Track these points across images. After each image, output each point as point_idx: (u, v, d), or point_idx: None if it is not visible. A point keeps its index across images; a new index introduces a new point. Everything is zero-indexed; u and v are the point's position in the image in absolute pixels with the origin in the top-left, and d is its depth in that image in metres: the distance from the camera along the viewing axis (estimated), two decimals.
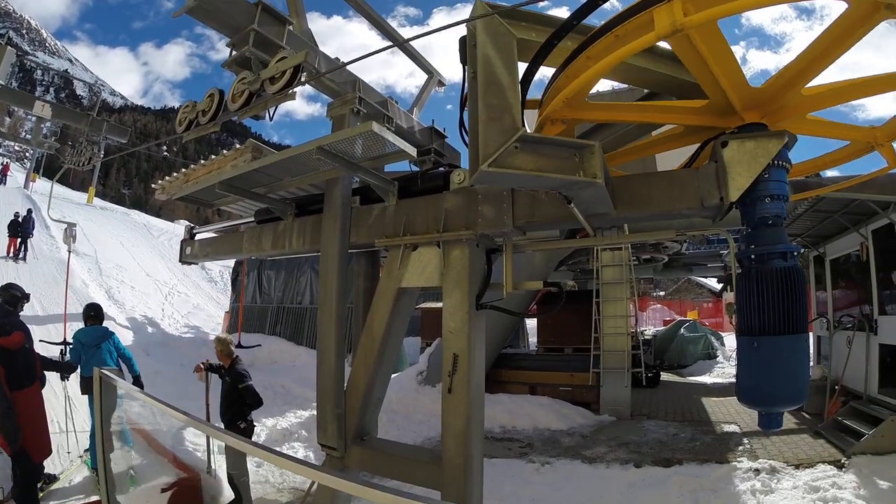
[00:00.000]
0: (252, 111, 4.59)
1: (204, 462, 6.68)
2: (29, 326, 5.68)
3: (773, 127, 3.23)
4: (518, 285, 4.61)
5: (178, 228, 36.84)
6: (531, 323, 17.45)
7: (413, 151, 4.52)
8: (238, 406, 6.18)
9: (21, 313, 6.20)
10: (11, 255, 18.53)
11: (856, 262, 8.81)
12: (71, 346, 7.22)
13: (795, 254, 3.12)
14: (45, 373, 5.56)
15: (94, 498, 5.52)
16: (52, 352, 7.47)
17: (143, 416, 5.74)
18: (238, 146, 5.29)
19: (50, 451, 4.91)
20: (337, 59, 5.20)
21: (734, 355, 18.09)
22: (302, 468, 2.48)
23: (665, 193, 3.61)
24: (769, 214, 3.15)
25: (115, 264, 21.26)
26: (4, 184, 30.57)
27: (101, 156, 10.58)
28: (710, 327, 20.59)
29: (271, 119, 4.66)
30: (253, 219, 6.57)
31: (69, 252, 10.53)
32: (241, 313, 15.03)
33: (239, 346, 10.00)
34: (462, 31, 3.51)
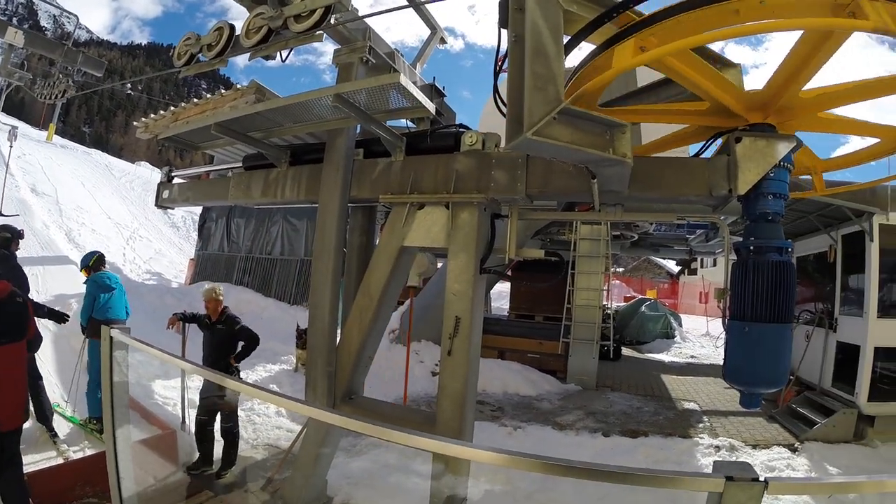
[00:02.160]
0: (269, 49, 4.32)
1: (176, 417, 6.47)
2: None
3: (782, 125, 3.40)
4: (520, 252, 4.59)
5: (140, 170, 35.70)
6: (497, 288, 17.53)
7: (433, 109, 4.38)
8: (229, 356, 6.01)
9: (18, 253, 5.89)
10: None
11: (821, 262, 9.15)
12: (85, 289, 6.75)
13: (789, 250, 3.36)
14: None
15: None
16: None
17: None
18: (239, 86, 4.98)
19: (17, 421, 4.17)
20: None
21: (690, 336, 18.72)
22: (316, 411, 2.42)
23: (677, 178, 3.73)
24: (770, 211, 3.39)
25: (76, 205, 20.30)
26: None
27: (75, 90, 10.02)
28: (668, 307, 21.05)
29: (283, 60, 4.41)
30: (240, 164, 6.30)
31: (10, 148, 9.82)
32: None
33: None
34: None
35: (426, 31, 6.36)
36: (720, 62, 3.48)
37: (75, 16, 11.89)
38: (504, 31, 3.49)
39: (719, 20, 2.65)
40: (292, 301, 13.22)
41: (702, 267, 30.93)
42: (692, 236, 14.97)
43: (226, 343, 6.01)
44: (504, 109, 3.37)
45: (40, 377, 6.01)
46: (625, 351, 15.83)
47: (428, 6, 6.85)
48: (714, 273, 26.86)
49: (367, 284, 4.73)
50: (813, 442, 7.41)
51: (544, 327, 12.24)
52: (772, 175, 3.31)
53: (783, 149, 3.27)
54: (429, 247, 4.54)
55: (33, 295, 7.63)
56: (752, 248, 3.38)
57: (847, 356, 7.96)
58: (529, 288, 13.43)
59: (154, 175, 34.91)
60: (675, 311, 21.17)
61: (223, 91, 5.22)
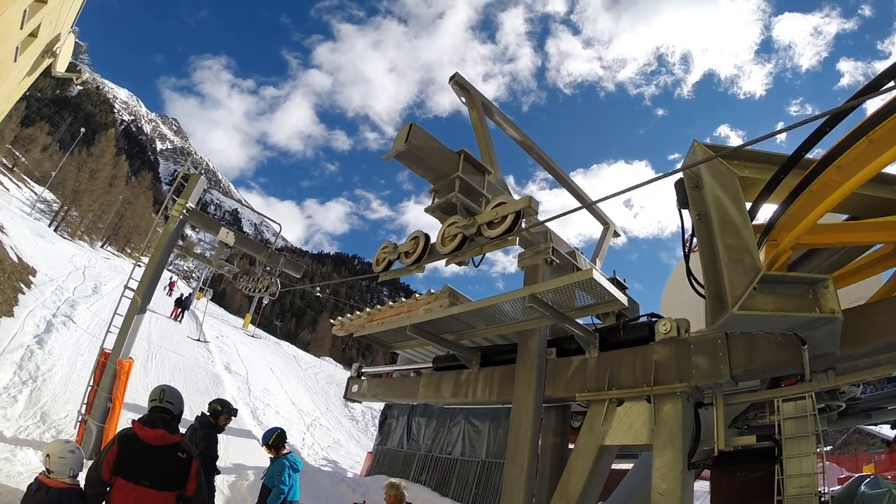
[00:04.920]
0: (464, 255, 4.70)
1: None
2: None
3: None
4: (730, 441, 4.26)
5: (324, 364, 38.98)
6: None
7: (625, 301, 4.39)
8: None
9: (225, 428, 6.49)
10: (175, 317, 27.85)
11: None
12: (285, 471, 7.14)
13: None
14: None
15: None
16: None
17: None
18: (433, 291, 5.38)
19: None
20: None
21: None
22: None
23: (889, 322, 3.35)
24: None
25: (263, 387, 22.21)
26: (170, 295, 35.54)
27: (279, 286, 11.36)
28: (892, 481, 17.58)
29: (477, 265, 4.73)
30: (427, 365, 6.58)
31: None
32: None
33: None
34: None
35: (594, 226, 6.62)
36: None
37: (279, 224, 13.69)
38: (685, 212, 3.59)
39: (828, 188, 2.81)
40: (471, 502, 12.87)
41: None
42: None
43: None
44: (700, 290, 3.42)
45: None
46: None
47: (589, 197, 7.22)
48: None
49: (565, 486, 4.54)
50: None
51: None
52: None
53: None
54: (630, 444, 4.34)
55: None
56: None
57: None
58: (731, 483, 12.01)
59: (337, 370, 37.77)
60: None
61: (417, 295, 5.66)
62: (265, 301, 12.61)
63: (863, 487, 15.93)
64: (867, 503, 15.26)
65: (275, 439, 7.08)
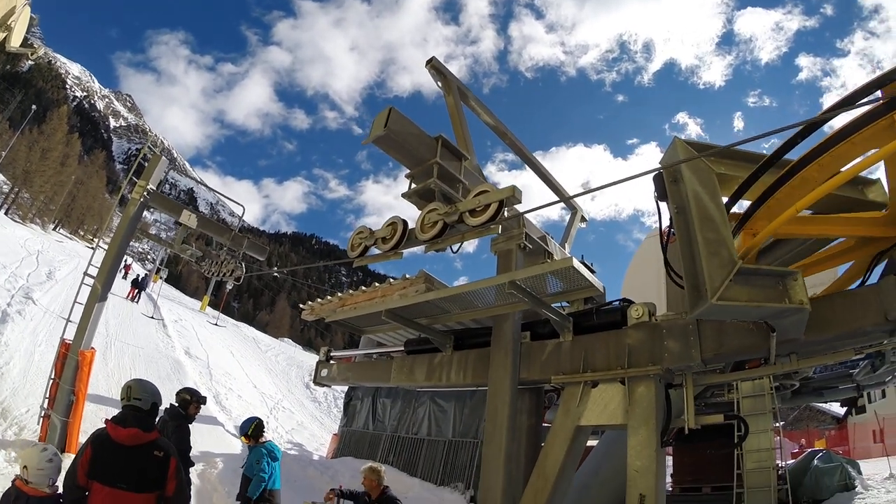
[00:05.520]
0: (445, 242, 4.72)
1: None
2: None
3: None
4: (699, 420, 4.41)
5: (284, 346, 38.68)
6: None
7: (601, 287, 4.50)
8: None
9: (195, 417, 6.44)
10: (131, 298, 28.48)
11: None
12: (263, 459, 7.05)
13: None
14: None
15: None
16: None
17: None
18: (408, 276, 5.40)
19: None
20: None
21: (873, 483, 15.97)
22: None
23: (849, 312, 3.63)
24: None
25: (224, 371, 22.00)
26: (125, 278, 34.39)
27: (244, 270, 11.24)
28: (843, 455, 18.40)
29: (455, 252, 4.76)
30: (399, 348, 6.61)
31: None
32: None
33: None
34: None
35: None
36: (860, 182, 3.66)
37: (242, 206, 13.51)
38: (663, 204, 3.75)
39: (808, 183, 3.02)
40: (439, 482, 13.02)
41: (870, 402, 26.98)
42: (856, 370, 13.38)
43: None
44: (679, 281, 3.56)
45: None
46: None
47: (563, 182, 7.31)
48: (887, 405, 23.47)
49: (542, 466, 4.67)
50: None
51: (713, 499, 11.51)
52: None
53: None
54: (605, 424, 4.49)
55: None
56: None
57: None
58: (693, 457, 12.46)
59: (297, 352, 37.61)
60: (851, 458, 18.30)
61: (391, 280, 5.67)
62: (229, 286, 12.39)
63: (816, 461, 16.58)
64: (821, 476, 15.94)
65: (254, 429, 7.01)
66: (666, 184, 3.61)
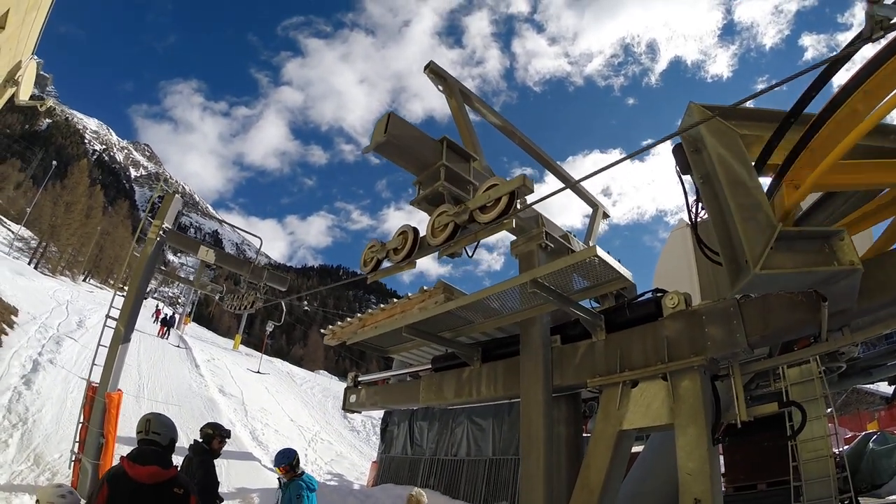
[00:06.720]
0: (458, 244, 4.47)
1: None
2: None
3: None
4: (752, 412, 4.00)
5: (319, 378, 38.76)
6: None
7: (630, 276, 4.20)
8: None
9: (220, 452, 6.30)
10: (161, 335, 30.76)
11: None
12: (303, 492, 6.83)
13: None
14: None
15: None
16: None
17: None
18: (426, 288, 5.16)
19: None
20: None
21: None
22: None
23: None
24: None
25: (260, 407, 21.95)
26: (156, 322, 35.63)
27: (263, 301, 11.14)
28: None
29: (471, 256, 4.52)
30: (427, 367, 6.36)
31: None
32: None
33: None
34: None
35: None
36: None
37: (259, 238, 13.40)
38: (686, 178, 3.45)
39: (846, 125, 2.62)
40: (483, 502, 12.71)
41: None
42: None
43: None
44: (714, 257, 3.26)
45: None
46: (864, 502, 12.95)
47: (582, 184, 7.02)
48: None
49: (586, 477, 4.30)
50: None
51: (770, 495, 10.88)
52: None
53: None
54: (650, 426, 4.11)
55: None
56: None
57: None
58: (745, 454, 11.92)
59: (332, 382, 37.64)
60: None
61: (409, 295, 5.42)
62: (269, 328, 12.46)
63: (871, 444, 15.89)
64: (878, 459, 15.24)
65: (292, 460, 6.74)
66: (687, 154, 3.30)
